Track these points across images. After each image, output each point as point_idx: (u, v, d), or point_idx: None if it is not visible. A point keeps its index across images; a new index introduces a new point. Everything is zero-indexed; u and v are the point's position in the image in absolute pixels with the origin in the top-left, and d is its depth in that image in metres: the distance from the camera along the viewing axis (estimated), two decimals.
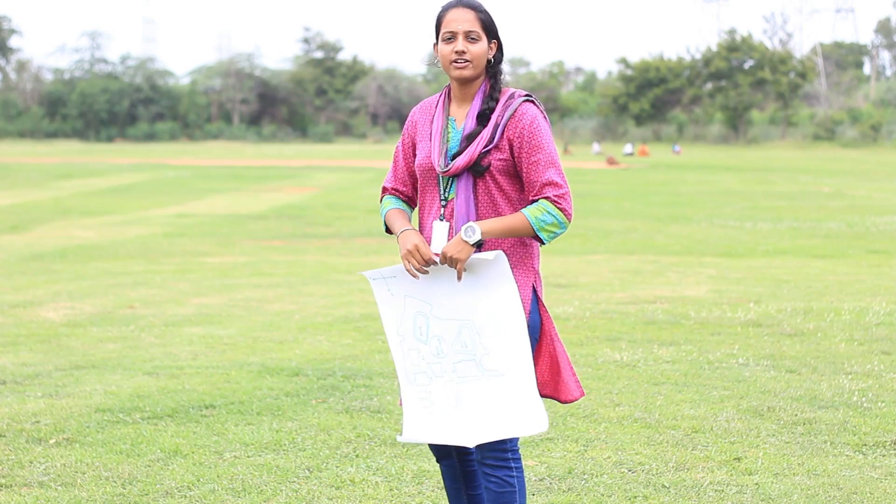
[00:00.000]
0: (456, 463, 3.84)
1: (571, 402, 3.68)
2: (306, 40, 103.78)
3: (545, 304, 3.68)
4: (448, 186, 3.64)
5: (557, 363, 3.65)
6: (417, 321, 3.64)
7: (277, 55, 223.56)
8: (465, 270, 3.53)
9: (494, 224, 3.53)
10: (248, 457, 5.26)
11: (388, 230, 3.77)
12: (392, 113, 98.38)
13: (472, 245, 3.49)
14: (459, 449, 3.80)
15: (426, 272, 3.56)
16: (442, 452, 3.83)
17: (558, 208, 3.56)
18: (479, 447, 3.62)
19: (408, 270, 3.56)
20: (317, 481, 4.92)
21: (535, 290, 3.64)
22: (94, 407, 6.15)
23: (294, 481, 4.92)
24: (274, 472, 5.02)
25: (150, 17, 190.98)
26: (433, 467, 5.07)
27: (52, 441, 5.52)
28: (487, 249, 3.57)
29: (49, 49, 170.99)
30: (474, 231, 3.48)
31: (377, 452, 5.33)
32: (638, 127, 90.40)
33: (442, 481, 4.80)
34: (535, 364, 3.66)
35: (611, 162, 47.80)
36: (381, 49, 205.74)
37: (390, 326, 3.71)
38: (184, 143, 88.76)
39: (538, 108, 3.63)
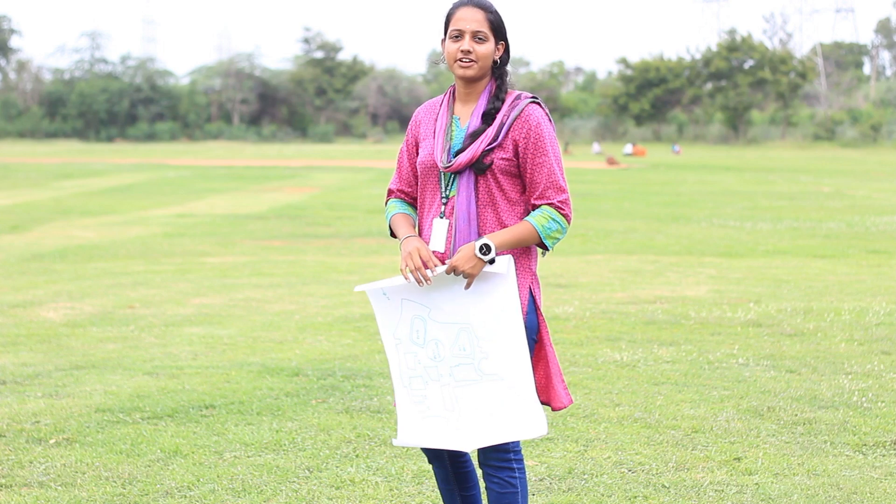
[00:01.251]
0: (448, 465, 3.84)
1: (562, 409, 3.68)
2: (306, 40, 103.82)
3: (541, 310, 3.68)
4: (449, 184, 3.65)
5: (550, 370, 3.65)
6: (415, 324, 3.63)
7: (277, 55, 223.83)
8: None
9: (505, 237, 3.53)
10: (248, 457, 5.26)
11: (393, 234, 3.78)
12: (392, 113, 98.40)
13: (487, 261, 3.50)
14: (452, 451, 3.80)
15: (428, 280, 3.53)
16: (433, 454, 3.83)
17: (561, 214, 3.58)
18: (482, 448, 3.62)
19: (403, 274, 3.56)
20: (317, 481, 4.92)
21: (531, 292, 3.64)
22: (94, 407, 6.15)
23: (294, 481, 4.92)
24: (274, 472, 5.02)
25: (150, 17, 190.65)
26: None
27: (52, 441, 5.52)
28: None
29: (49, 49, 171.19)
30: (490, 249, 3.48)
31: (377, 452, 5.33)
32: (638, 127, 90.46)
33: None
34: (533, 368, 3.66)
35: (611, 162, 47.85)
36: (381, 49, 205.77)
37: (386, 330, 3.70)
38: (184, 143, 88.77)
39: (544, 110, 3.64)
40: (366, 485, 4.88)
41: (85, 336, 8.50)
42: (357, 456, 5.28)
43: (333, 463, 5.17)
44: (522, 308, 3.59)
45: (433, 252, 3.63)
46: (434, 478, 4.91)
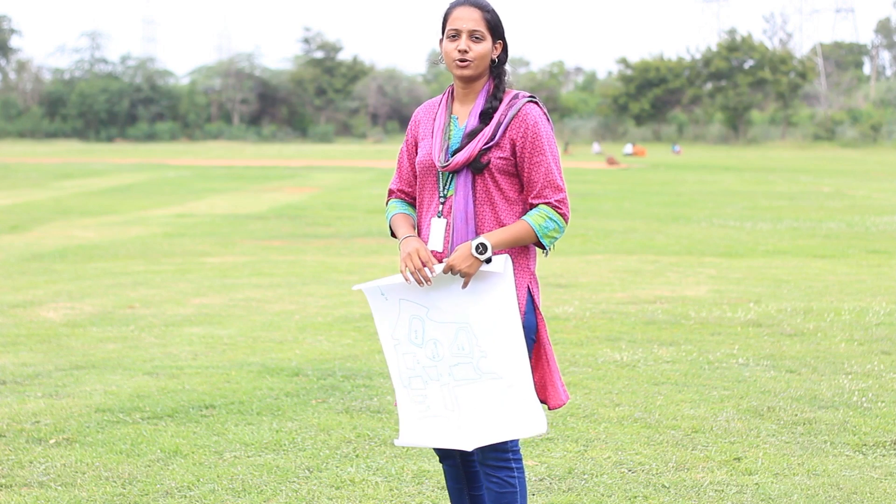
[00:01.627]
0: (458, 463, 3.84)
1: (559, 407, 3.69)
2: (306, 40, 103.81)
3: (540, 308, 3.68)
4: (447, 183, 3.65)
5: (548, 369, 3.66)
6: (413, 324, 3.63)
7: (277, 55, 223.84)
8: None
9: (502, 236, 3.53)
10: (248, 457, 5.26)
11: (393, 234, 3.78)
12: (392, 113, 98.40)
13: (483, 261, 3.50)
14: (461, 450, 3.80)
15: (427, 280, 3.53)
16: (445, 453, 3.84)
17: (559, 213, 3.58)
18: (480, 448, 3.62)
19: (403, 275, 3.56)
20: (317, 481, 4.92)
21: (530, 292, 3.64)
22: (94, 407, 6.15)
23: (294, 481, 4.92)
24: (274, 472, 5.02)
25: (150, 17, 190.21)
26: (433, 467, 5.07)
27: (52, 441, 5.52)
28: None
29: (49, 49, 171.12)
30: (486, 248, 3.48)
31: (377, 452, 5.33)
32: (638, 127, 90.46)
33: (442, 481, 4.81)
34: (532, 368, 3.66)
35: (611, 162, 47.85)
36: (381, 49, 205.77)
37: (385, 331, 3.70)
38: (184, 143, 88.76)
39: (542, 109, 3.64)
40: (366, 485, 4.88)
41: (85, 336, 8.50)
42: (357, 456, 5.28)
43: (333, 463, 5.17)
44: (521, 307, 3.59)
45: (431, 251, 3.63)
46: (434, 478, 4.92)
